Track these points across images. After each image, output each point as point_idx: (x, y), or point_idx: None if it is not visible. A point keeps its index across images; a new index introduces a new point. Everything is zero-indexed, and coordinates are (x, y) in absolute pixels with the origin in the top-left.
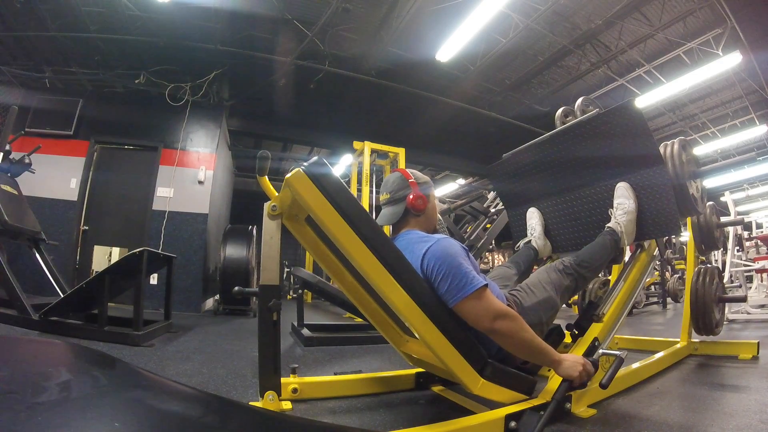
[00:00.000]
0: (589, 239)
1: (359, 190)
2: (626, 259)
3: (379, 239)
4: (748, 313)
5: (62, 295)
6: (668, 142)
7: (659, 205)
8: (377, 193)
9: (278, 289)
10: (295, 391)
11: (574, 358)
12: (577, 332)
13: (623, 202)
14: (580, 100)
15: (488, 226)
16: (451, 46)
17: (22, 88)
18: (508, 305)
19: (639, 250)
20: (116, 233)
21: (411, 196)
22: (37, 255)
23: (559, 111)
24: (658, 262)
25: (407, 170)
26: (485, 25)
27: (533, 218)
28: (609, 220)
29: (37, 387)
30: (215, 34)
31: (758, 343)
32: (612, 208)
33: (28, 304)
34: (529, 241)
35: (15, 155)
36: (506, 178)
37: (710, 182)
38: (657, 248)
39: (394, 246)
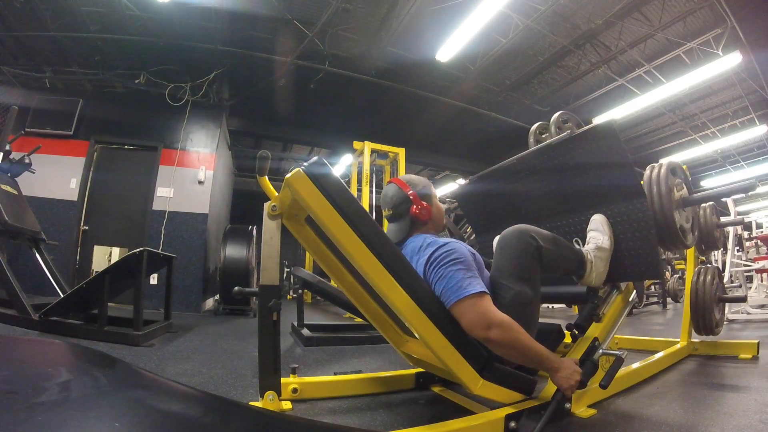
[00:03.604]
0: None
1: (359, 190)
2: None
3: (379, 239)
4: (748, 313)
5: (62, 295)
6: (655, 165)
7: (639, 244)
8: (377, 193)
9: (278, 289)
10: (295, 391)
11: (573, 368)
12: (577, 332)
13: (597, 236)
14: (556, 114)
15: None
16: (451, 46)
17: (22, 88)
18: None
19: (615, 292)
20: (116, 233)
21: (414, 209)
22: (37, 255)
23: (534, 127)
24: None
25: (403, 179)
26: (485, 25)
27: None
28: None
29: (37, 387)
30: (215, 34)
31: (758, 343)
32: (578, 237)
33: (28, 304)
34: None
35: (15, 155)
36: (474, 202)
37: (710, 182)
38: (635, 291)
39: (394, 246)
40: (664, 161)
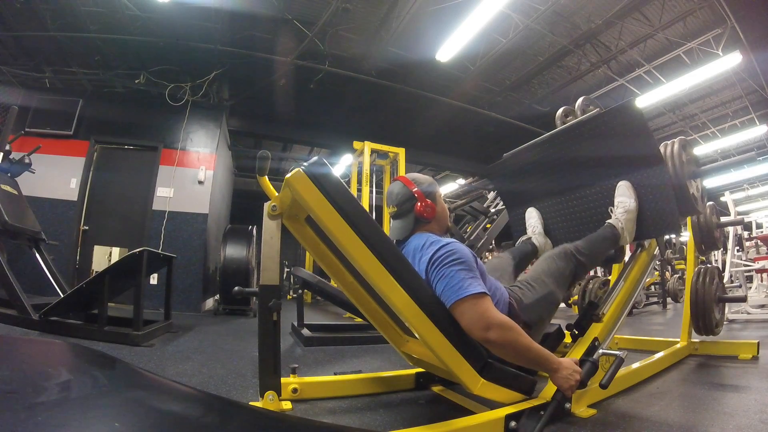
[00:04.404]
0: None
1: (359, 190)
2: (626, 258)
3: (379, 239)
4: (748, 313)
5: (62, 295)
6: (668, 142)
7: (659, 205)
8: (377, 193)
9: (278, 289)
10: (295, 391)
11: (572, 368)
12: (577, 332)
13: (624, 200)
14: (580, 99)
15: (488, 226)
16: (451, 46)
17: (22, 88)
18: (510, 303)
19: (639, 250)
20: (116, 233)
21: (418, 206)
22: (37, 255)
23: (560, 111)
24: (658, 262)
25: (408, 177)
26: (485, 25)
27: (532, 217)
28: (609, 218)
29: (37, 387)
30: (215, 34)
31: (758, 343)
32: (612, 206)
33: (28, 304)
34: (529, 238)
35: (15, 155)
36: (506, 177)
37: (710, 182)
38: (657, 248)
39: (394, 245)
40: (676, 139)
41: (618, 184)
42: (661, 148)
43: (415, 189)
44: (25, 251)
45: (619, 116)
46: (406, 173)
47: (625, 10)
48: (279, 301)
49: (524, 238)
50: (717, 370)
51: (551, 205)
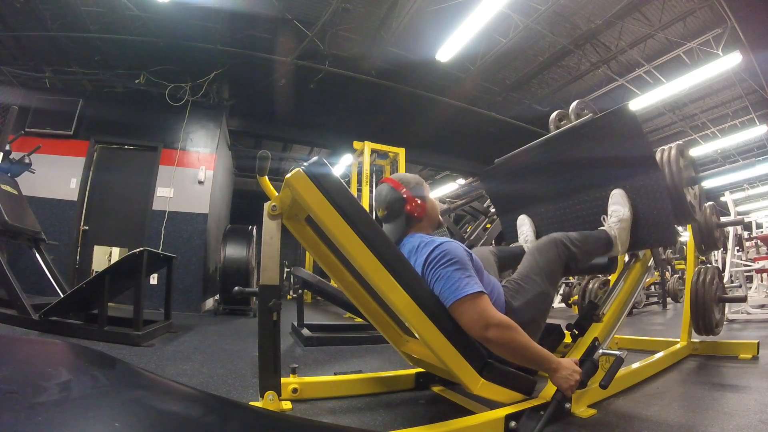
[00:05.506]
0: None
1: (359, 190)
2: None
3: (379, 239)
4: (748, 313)
5: (62, 295)
6: (665, 147)
7: (655, 214)
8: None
9: (278, 289)
10: (295, 391)
11: (572, 368)
12: (577, 332)
13: (618, 209)
14: (574, 103)
15: (488, 226)
16: (451, 46)
17: (22, 88)
18: (507, 301)
19: (633, 260)
20: (116, 233)
21: (408, 207)
22: (37, 255)
23: (553, 115)
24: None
25: (395, 177)
26: (485, 25)
27: (524, 225)
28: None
29: (37, 387)
30: (215, 34)
31: (758, 343)
32: (605, 214)
33: (28, 304)
34: (521, 246)
35: (15, 155)
36: (498, 183)
37: (710, 182)
38: (652, 258)
39: (394, 246)
40: (673, 144)
41: (612, 192)
42: (657, 154)
43: (404, 190)
44: (25, 251)
45: (613, 121)
46: (393, 174)
47: (625, 10)
48: (279, 301)
49: (515, 245)
50: (717, 370)
51: (544, 213)
